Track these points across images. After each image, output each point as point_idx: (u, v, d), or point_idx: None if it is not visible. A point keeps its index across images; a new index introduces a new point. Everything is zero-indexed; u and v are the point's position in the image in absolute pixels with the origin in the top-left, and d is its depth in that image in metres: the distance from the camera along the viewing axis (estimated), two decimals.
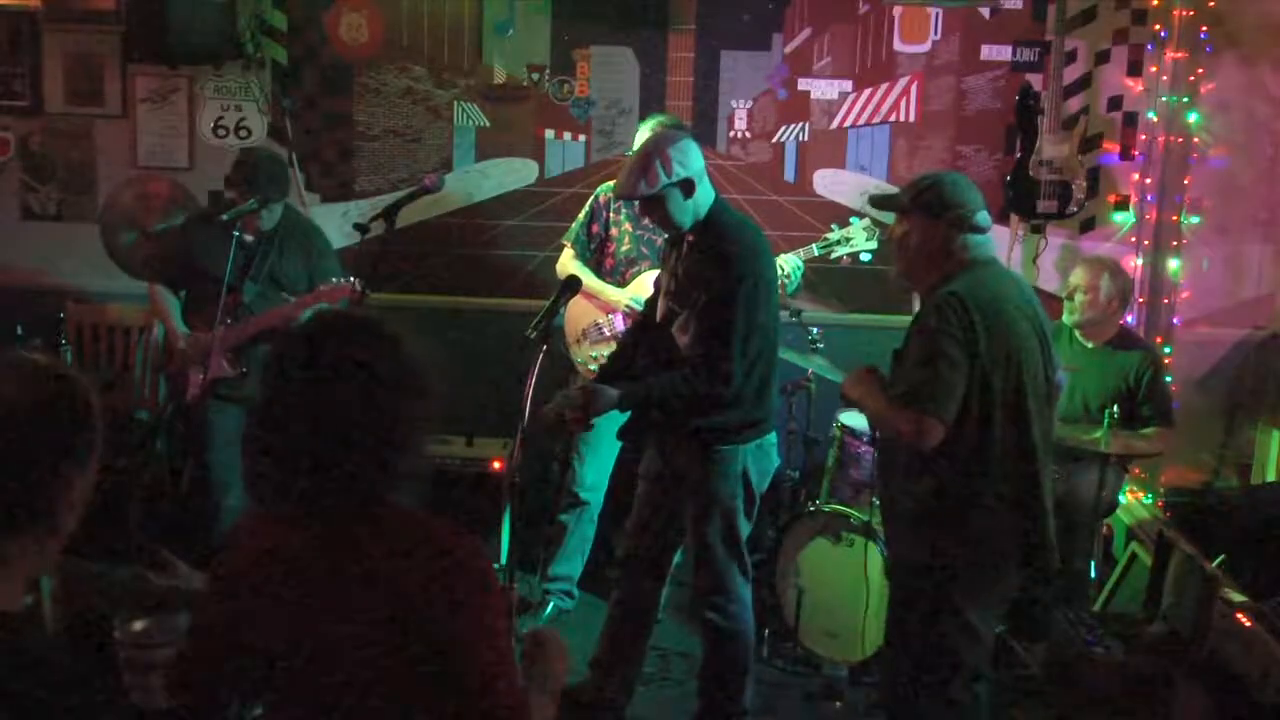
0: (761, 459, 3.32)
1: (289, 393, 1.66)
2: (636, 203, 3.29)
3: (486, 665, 1.66)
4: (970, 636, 2.79)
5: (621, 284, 4.20)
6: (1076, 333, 4.30)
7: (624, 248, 4.21)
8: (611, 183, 4.29)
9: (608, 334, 4.18)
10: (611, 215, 4.22)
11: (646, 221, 3.71)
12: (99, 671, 1.47)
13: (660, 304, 3.39)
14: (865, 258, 4.32)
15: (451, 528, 1.71)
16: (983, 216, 2.80)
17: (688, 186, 3.12)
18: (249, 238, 4.01)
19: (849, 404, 3.37)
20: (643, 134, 4.08)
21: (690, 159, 3.12)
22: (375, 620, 1.64)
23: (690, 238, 3.23)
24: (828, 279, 4.84)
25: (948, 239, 2.77)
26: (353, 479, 1.66)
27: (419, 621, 1.63)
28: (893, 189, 4.83)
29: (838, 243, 4.32)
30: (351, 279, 3.77)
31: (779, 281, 4.13)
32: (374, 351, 1.68)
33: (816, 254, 4.30)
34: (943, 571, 2.77)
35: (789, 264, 4.18)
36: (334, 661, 1.66)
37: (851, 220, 4.31)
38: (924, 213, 2.79)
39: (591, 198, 4.29)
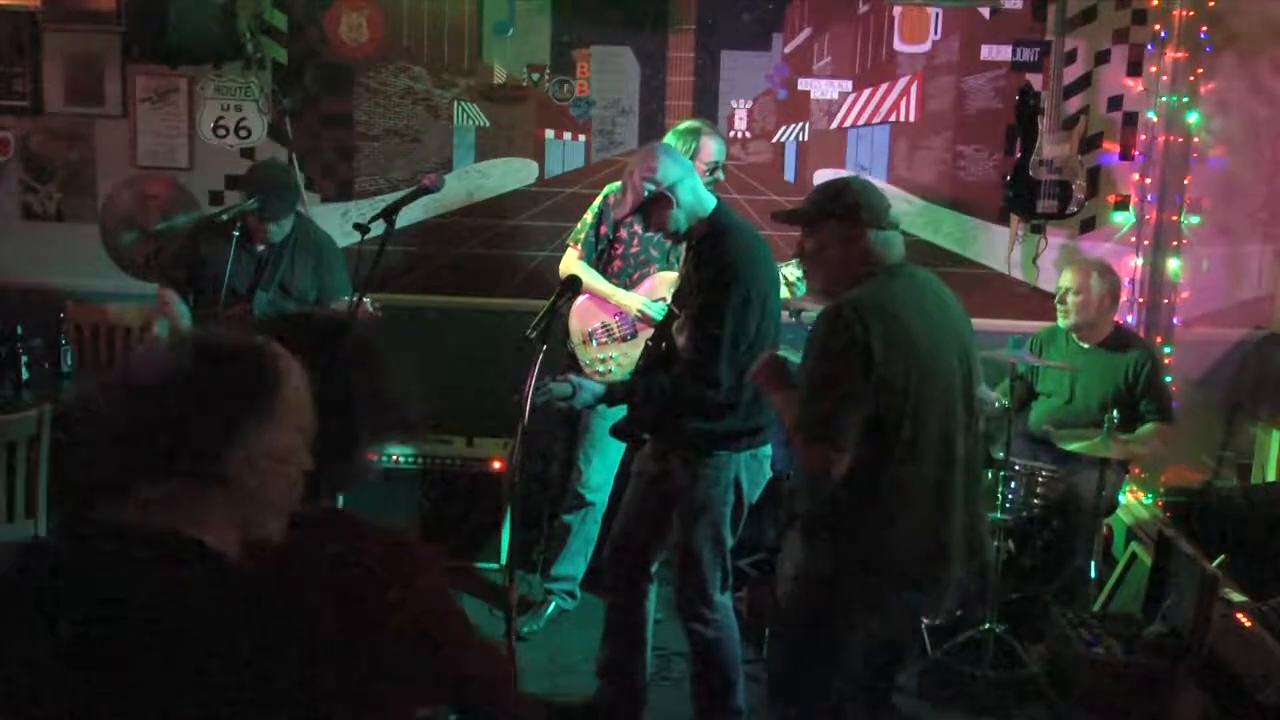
0: (755, 469, 3.30)
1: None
2: None
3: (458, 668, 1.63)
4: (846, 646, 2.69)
5: (629, 286, 4.19)
6: (1072, 335, 4.31)
7: (633, 249, 4.21)
8: (618, 183, 4.29)
9: (617, 335, 4.17)
10: None
11: None
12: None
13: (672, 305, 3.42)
14: None
15: (390, 540, 1.63)
16: (891, 213, 2.71)
17: (663, 199, 3.15)
18: (259, 248, 4.01)
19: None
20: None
21: (662, 171, 3.15)
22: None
23: (693, 242, 3.25)
24: None
25: (869, 241, 2.66)
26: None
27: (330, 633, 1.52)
28: (894, 189, 4.83)
29: None
30: (364, 299, 3.61)
31: (785, 288, 4.14)
32: (348, 353, 1.68)
33: None
34: (823, 583, 2.69)
35: (794, 274, 4.18)
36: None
37: None
38: (842, 219, 2.67)
39: (599, 198, 4.26)
